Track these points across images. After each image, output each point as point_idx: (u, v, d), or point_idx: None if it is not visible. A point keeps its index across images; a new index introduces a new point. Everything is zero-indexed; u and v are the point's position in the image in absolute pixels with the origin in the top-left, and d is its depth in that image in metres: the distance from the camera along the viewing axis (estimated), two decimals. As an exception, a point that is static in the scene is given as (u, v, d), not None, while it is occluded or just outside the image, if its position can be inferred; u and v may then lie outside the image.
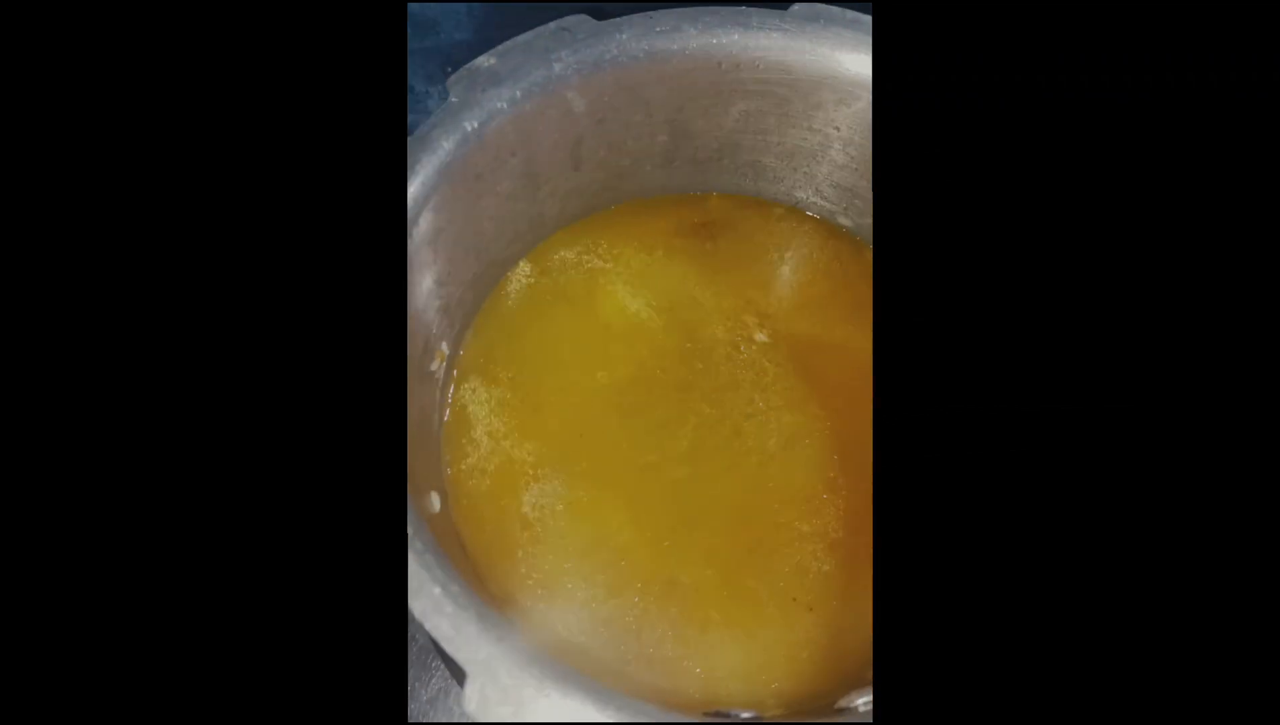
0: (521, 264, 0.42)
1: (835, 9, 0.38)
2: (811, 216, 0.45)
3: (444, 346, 0.38)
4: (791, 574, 0.34)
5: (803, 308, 0.42)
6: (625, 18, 0.37)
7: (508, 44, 0.36)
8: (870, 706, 0.28)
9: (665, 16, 0.37)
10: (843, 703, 0.29)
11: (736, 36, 0.37)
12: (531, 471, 0.37)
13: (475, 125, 0.34)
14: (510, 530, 0.36)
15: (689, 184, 0.45)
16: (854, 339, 0.41)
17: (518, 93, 0.35)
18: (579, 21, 0.36)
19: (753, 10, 0.38)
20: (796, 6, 0.38)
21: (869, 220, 0.44)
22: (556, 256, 0.42)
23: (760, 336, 0.41)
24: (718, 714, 0.28)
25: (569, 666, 0.25)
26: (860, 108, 0.39)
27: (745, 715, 0.29)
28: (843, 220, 0.44)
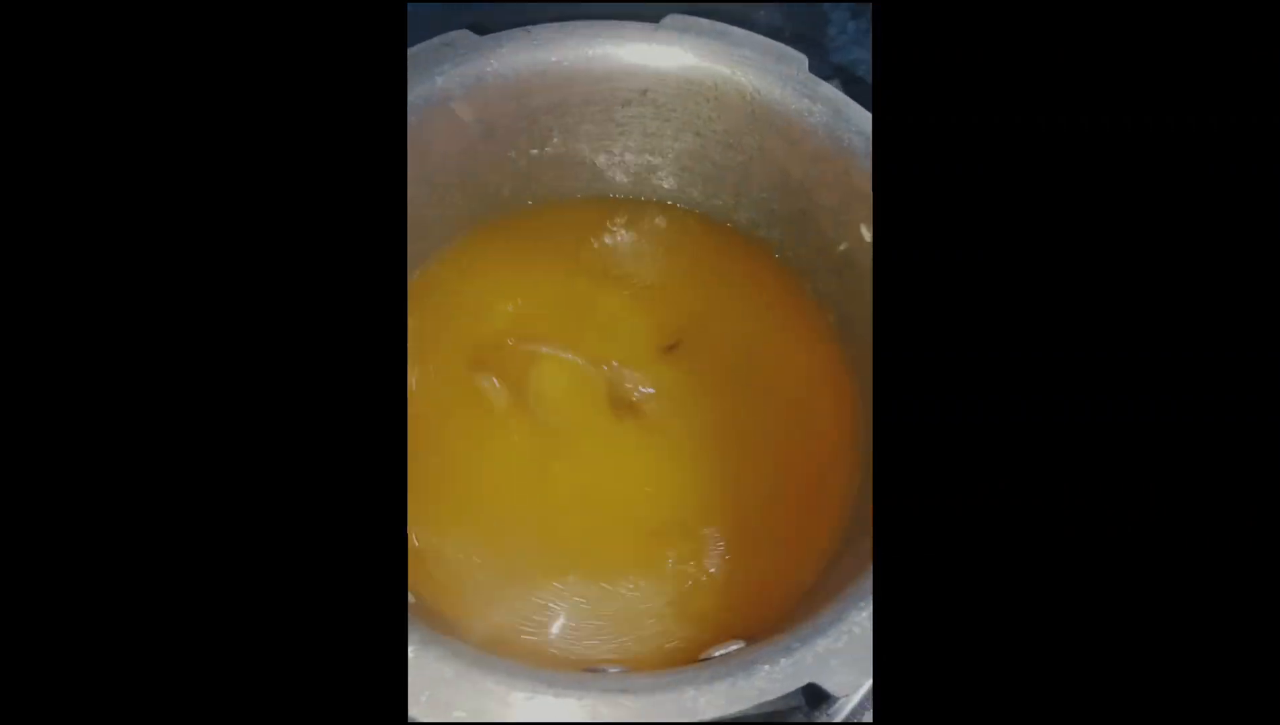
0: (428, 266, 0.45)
1: (705, 21, 0.41)
2: (704, 216, 0.48)
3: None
4: (665, 533, 0.37)
5: (700, 308, 0.45)
6: (506, 32, 0.39)
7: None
8: (727, 653, 0.31)
9: (543, 30, 0.40)
10: (705, 654, 0.32)
11: (610, 49, 0.40)
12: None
13: (363, 137, 0.37)
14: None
15: (587, 188, 0.47)
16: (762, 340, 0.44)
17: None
18: (461, 36, 0.39)
19: (626, 24, 0.40)
20: (667, 19, 0.41)
21: (760, 215, 0.46)
22: (454, 258, 0.45)
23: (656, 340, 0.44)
24: (592, 670, 0.31)
25: (436, 633, 0.27)
26: (733, 112, 0.42)
27: (614, 670, 0.31)
28: (737, 216, 0.47)
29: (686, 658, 0.32)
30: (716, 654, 0.31)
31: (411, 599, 0.34)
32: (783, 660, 0.27)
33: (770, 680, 0.27)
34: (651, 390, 0.41)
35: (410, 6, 0.31)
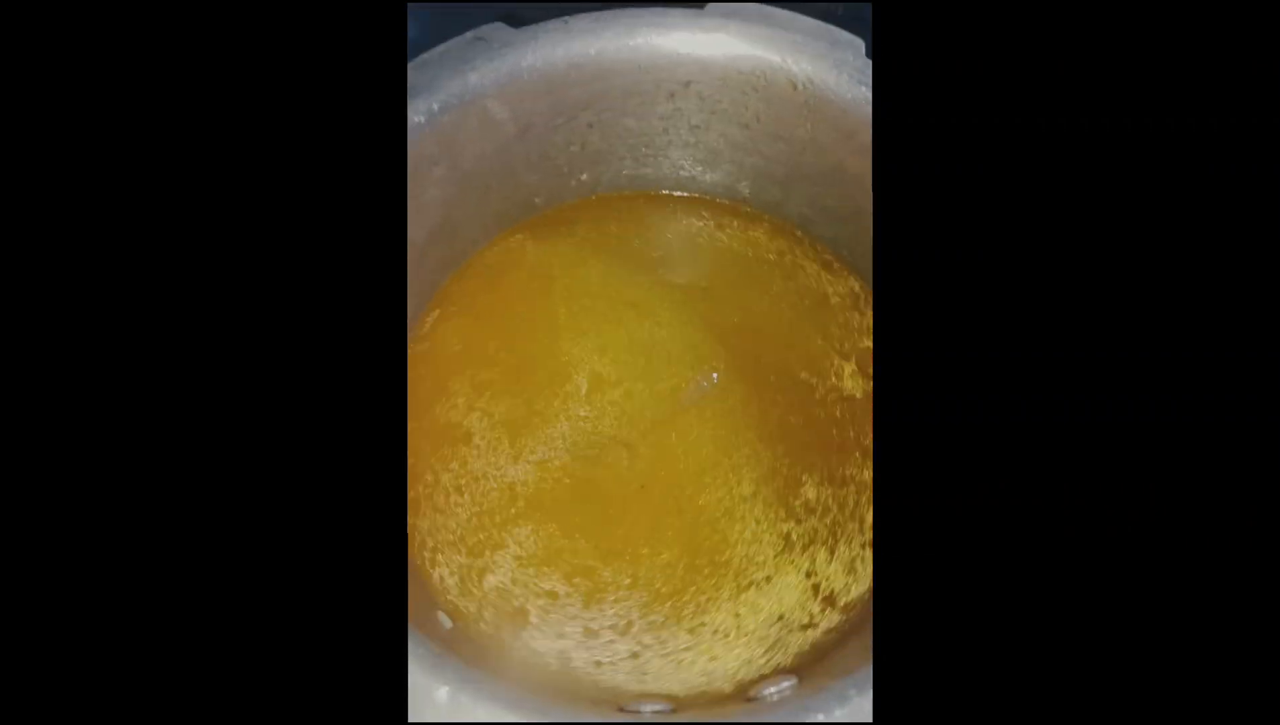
0: (465, 266, 0.43)
1: (751, 5, 0.38)
2: (750, 210, 0.45)
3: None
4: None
5: (750, 310, 0.43)
6: (541, 24, 0.37)
7: (423, 56, 0.36)
8: (779, 696, 0.29)
9: (582, 21, 0.37)
10: (753, 693, 0.30)
11: (654, 38, 0.38)
12: (475, 475, 0.38)
13: (393, 139, 0.35)
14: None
15: (629, 185, 0.45)
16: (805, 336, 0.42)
17: (435, 105, 0.36)
18: (494, 30, 0.37)
19: (669, 10, 0.38)
20: (712, 5, 0.38)
21: (813, 211, 0.44)
22: (494, 258, 0.43)
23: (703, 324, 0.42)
24: (627, 709, 0.29)
25: (472, 670, 0.26)
26: (783, 103, 0.39)
27: (655, 707, 0.29)
28: (787, 211, 0.45)
29: (735, 692, 0.31)
30: (767, 692, 0.29)
31: (449, 624, 0.33)
32: (838, 710, 0.25)
33: (824, 731, 0.25)
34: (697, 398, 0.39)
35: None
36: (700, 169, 0.44)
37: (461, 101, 0.36)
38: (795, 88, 0.38)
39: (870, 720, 0.24)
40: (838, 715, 0.25)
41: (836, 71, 0.37)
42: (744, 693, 0.30)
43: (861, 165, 0.39)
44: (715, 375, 0.40)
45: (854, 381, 0.40)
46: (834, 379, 0.40)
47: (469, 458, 0.38)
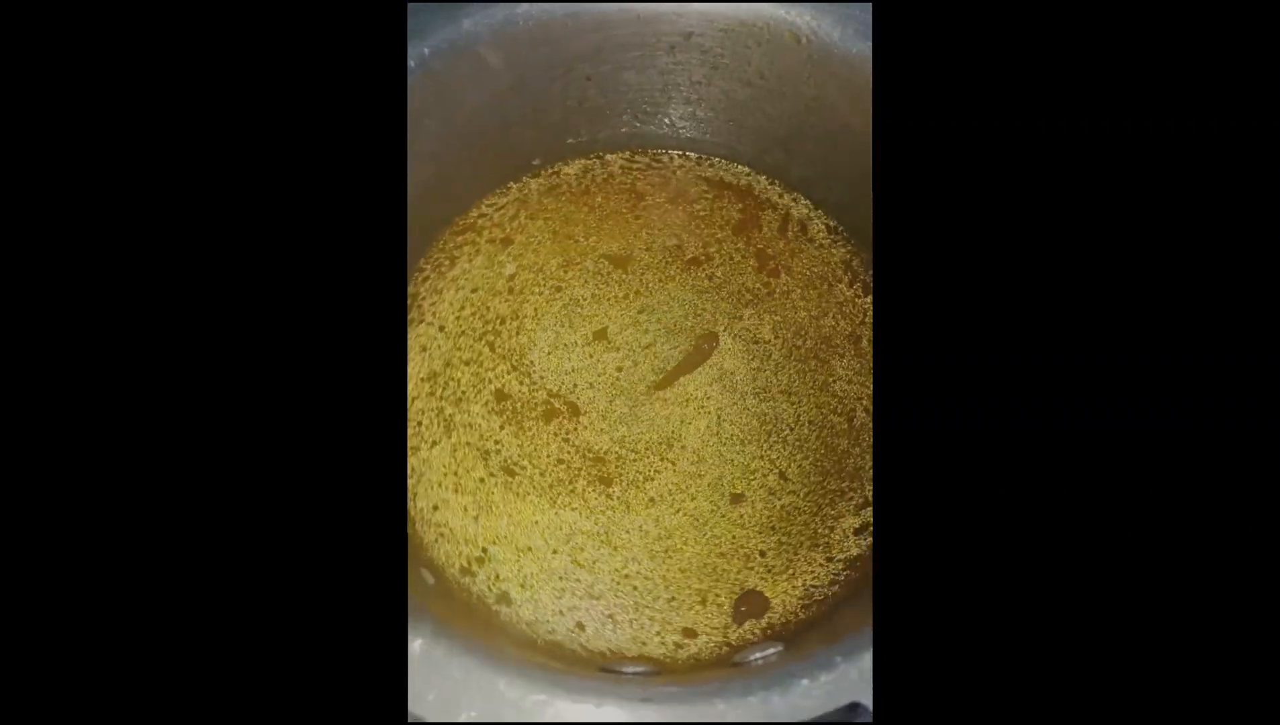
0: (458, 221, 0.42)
1: (758, -45, 0.37)
2: (751, 174, 0.44)
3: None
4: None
5: (751, 278, 0.42)
6: (539, -30, 0.36)
7: (414, 4, 0.35)
8: (764, 662, 0.28)
9: (580, -33, 0.36)
10: (739, 658, 0.29)
11: (654, -14, 0.36)
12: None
13: (382, 86, 0.34)
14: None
15: (627, 143, 0.44)
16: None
17: (425, 51, 0.35)
18: (489, -25, 0.36)
19: (671, -41, 0.37)
20: (716, -46, 0.37)
21: (815, 174, 0.43)
22: (489, 219, 0.42)
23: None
24: (609, 669, 0.29)
25: (446, 625, 0.25)
26: (787, 58, 0.38)
27: (639, 669, 0.29)
28: (791, 175, 0.43)
29: (720, 659, 0.30)
30: (753, 658, 0.29)
31: (430, 579, 0.32)
32: (823, 675, 0.24)
33: (808, 697, 0.24)
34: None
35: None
36: (701, 128, 0.43)
37: (454, 48, 0.35)
38: (799, 41, 0.37)
39: (855, 686, 0.24)
40: (823, 680, 0.24)
41: (842, 25, 0.36)
42: (729, 659, 0.30)
43: (869, 127, 0.37)
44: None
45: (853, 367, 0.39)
46: (830, 357, 0.39)
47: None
